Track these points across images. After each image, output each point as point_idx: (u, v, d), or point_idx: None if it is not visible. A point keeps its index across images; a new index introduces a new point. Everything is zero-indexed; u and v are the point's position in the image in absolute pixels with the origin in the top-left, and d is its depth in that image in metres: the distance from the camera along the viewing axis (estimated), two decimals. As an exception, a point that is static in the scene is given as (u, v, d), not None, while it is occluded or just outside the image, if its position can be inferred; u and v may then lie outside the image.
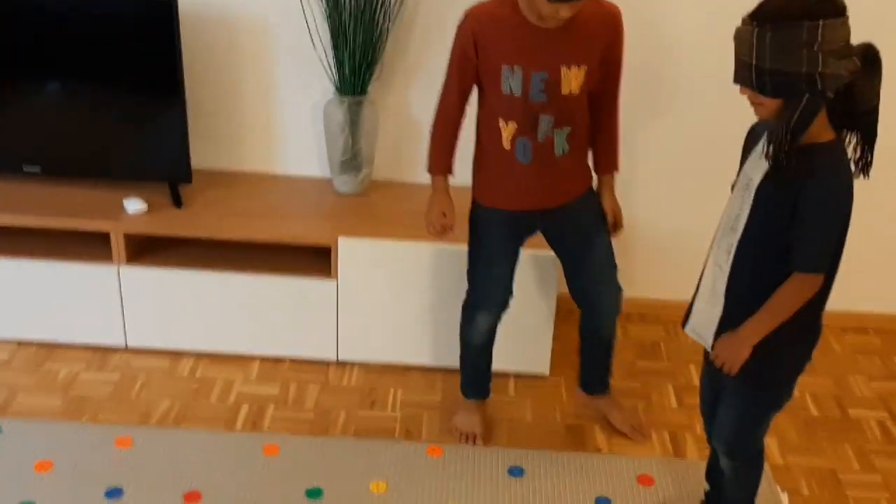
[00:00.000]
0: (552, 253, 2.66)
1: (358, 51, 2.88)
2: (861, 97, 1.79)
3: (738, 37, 1.79)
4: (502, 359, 2.85)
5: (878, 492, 2.58)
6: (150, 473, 2.48)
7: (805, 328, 1.99)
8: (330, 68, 2.97)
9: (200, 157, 3.12)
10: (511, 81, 2.24)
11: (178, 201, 2.97)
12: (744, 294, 1.97)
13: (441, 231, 2.46)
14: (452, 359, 2.79)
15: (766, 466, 2.59)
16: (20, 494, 2.39)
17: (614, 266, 2.56)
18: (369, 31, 2.87)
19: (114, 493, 2.41)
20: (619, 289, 2.59)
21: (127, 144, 2.98)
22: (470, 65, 2.28)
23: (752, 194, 1.91)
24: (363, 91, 2.97)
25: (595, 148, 2.48)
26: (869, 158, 1.85)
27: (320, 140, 3.13)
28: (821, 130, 1.81)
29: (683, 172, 3.15)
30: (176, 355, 2.99)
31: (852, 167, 1.86)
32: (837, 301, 3.37)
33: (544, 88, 2.24)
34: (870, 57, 1.77)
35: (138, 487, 2.43)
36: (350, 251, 2.84)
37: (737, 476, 2.23)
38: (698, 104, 3.05)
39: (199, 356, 3.00)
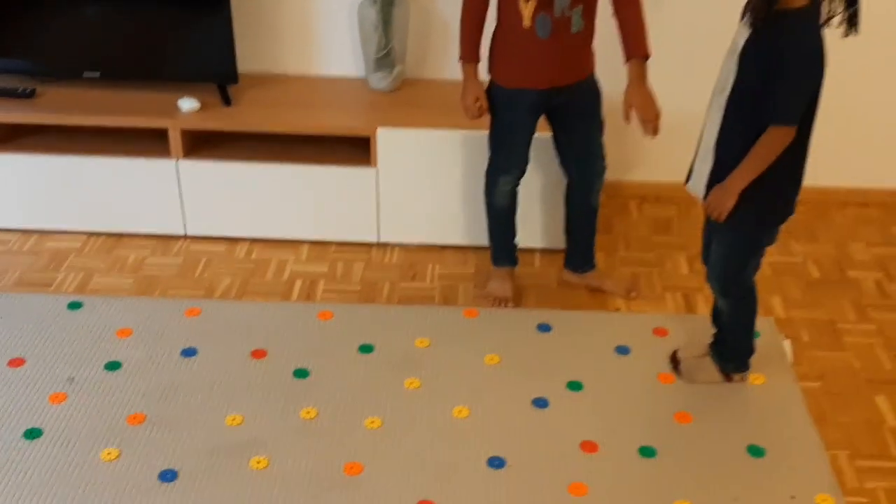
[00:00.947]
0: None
1: (388, -48, 3.12)
2: None
3: None
4: (528, 236, 3.15)
5: (872, 338, 2.86)
6: (219, 336, 2.80)
7: (783, 180, 2.26)
8: (362, -30, 3.20)
9: (243, 60, 3.36)
10: None
11: (227, 100, 3.23)
12: (730, 147, 2.25)
13: (478, 114, 2.72)
14: (483, 237, 3.07)
15: (771, 319, 2.89)
16: (107, 356, 2.71)
17: (602, 145, 2.84)
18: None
19: (189, 352, 2.73)
20: (605, 164, 2.88)
21: (178, 49, 3.24)
22: None
23: (738, 57, 2.16)
24: (394, -9, 3.21)
25: (621, 31, 2.66)
26: (853, 11, 2.07)
27: (355, 41, 3.37)
28: None
29: (697, 56, 3.36)
30: (232, 241, 3.29)
31: (840, 25, 2.08)
32: (840, 176, 3.66)
33: None
34: None
35: (210, 347, 2.75)
36: (388, 140, 3.10)
37: (733, 312, 2.53)
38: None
39: (253, 241, 3.29)
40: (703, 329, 2.71)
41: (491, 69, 2.73)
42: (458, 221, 3.23)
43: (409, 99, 3.32)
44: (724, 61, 2.24)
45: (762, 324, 2.84)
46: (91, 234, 3.31)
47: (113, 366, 2.67)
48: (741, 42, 2.16)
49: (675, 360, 2.67)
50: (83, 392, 2.57)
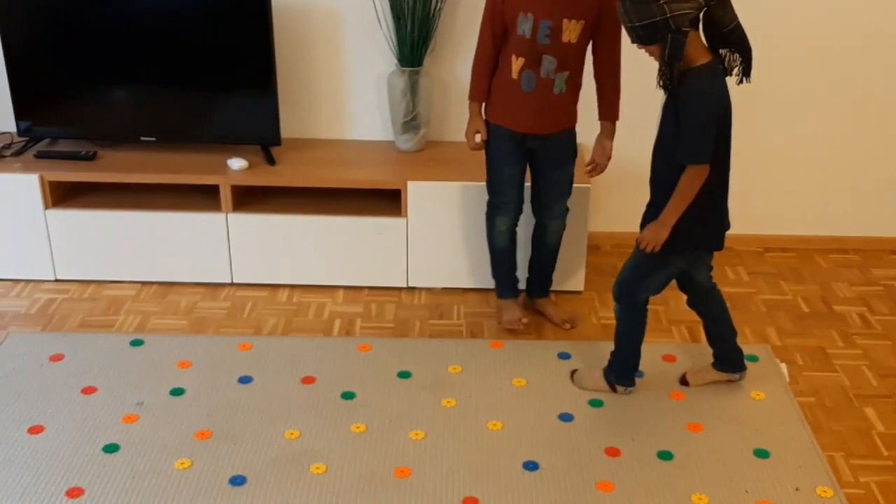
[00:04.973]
0: (587, 185, 3.40)
1: (416, 29, 3.51)
2: (720, 21, 2.48)
3: (617, 13, 2.51)
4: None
5: (859, 361, 3.18)
6: (270, 366, 3.09)
7: (700, 214, 2.61)
8: (392, 45, 3.60)
9: (284, 125, 3.73)
10: (524, 25, 2.89)
11: (271, 159, 3.59)
12: (659, 188, 2.66)
13: (478, 145, 3.12)
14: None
15: (768, 347, 3.21)
16: (171, 384, 2.99)
17: (570, 192, 3.23)
18: (425, 12, 3.50)
19: (245, 379, 3.01)
20: (565, 209, 3.26)
21: (229, 116, 3.61)
22: (497, 13, 2.95)
23: (661, 112, 2.60)
24: (420, 63, 3.60)
25: (599, 95, 3.09)
26: (747, 65, 2.53)
27: (383, 107, 3.75)
28: (696, 56, 2.49)
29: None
30: (274, 287, 3.60)
31: (738, 76, 2.53)
32: (822, 226, 4.02)
33: (549, 34, 2.89)
34: None
35: (263, 375, 3.04)
36: (417, 192, 3.45)
37: (621, 321, 2.89)
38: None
39: (293, 287, 3.60)
40: (705, 353, 3.03)
41: (486, 108, 3.13)
42: (480, 266, 3.55)
43: (433, 157, 3.68)
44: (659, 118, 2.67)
45: (760, 351, 3.18)
46: (144, 283, 3.61)
47: (177, 392, 2.95)
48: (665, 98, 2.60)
49: (609, 383, 2.98)
50: (153, 414, 2.84)
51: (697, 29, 2.49)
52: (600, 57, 3.03)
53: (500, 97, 3.06)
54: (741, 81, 2.55)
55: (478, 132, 3.12)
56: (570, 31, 2.89)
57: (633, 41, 2.52)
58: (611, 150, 3.13)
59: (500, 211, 3.23)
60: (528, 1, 2.88)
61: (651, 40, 2.46)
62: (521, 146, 3.11)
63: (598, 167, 3.16)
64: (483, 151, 3.17)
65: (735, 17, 2.48)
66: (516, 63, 2.96)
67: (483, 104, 3.12)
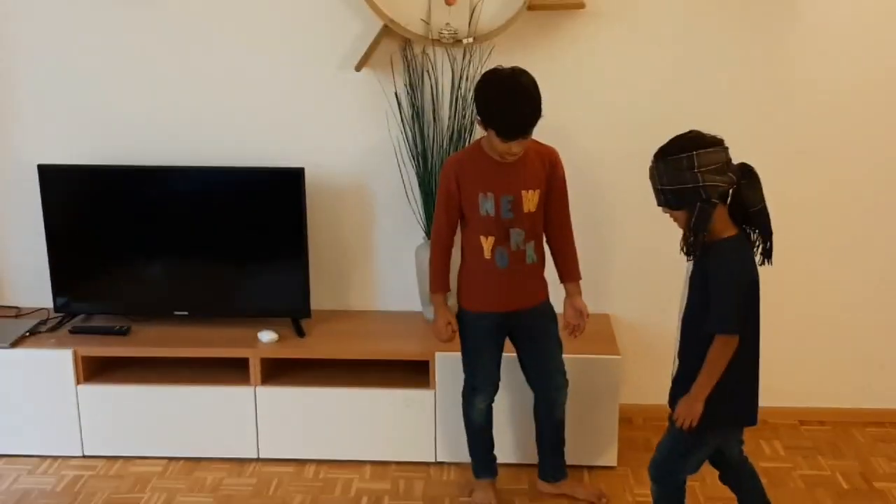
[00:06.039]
0: (616, 357, 3.39)
1: (444, 205, 3.60)
2: (747, 200, 2.53)
3: (650, 171, 2.58)
4: (577, 454, 3.43)
5: (905, 542, 3.06)
6: (296, 548, 3.02)
7: (730, 389, 2.58)
8: (421, 219, 3.69)
9: (313, 297, 3.79)
10: (486, 205, 2.96)
11: (300, 332, 3.62)
12: (689, 359, 2.64)
13: (449, 336, 3.12)
14: (534, 455, 3.37)
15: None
16: (194, 568, 2.93)
17: (561, 361, 3.20)
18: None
19: (270, 563, 2.95)
20: (565, 379, 3.22)
21: (259, 289, 3.67)
22: (453, 199, 3.02)
23: (687, 282, 2.61)
24: (448, 237, 3.67)
25: (557, 261, 3.16)
26: (767, 247, 2.56)
27: (411, 279, 3.81)
28: (723, 229, 2.53)
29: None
30: (300, 463, 3.56)
31: (757, 255, 2.56)
32: (858, 398, 3.96)
33: (511, 208, 2.96)
34: (746, 171, 2.53)
35: (289, 559, 2.97)
36: (445, 364, 3.45)
37: (658, 501, 2.81)
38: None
39: (320, 463, 3.56)
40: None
41: (459, 297, 3.15)
42: (509, 440, 3.50)
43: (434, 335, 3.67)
44: (683, 287, 2.68)
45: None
46: (171, 459, 3.58)
47: (201, 576, 2.88)
48: (689, 269, 2.61)
49: None
50: None
51: (725, 203, 2.53)
52: (555, 221, 3.10)
53: (476, 282, 3.08)
54: (762, 263, 2.57)
55: (448, 323, 3.11)
56: (529, 200, 2.98)
57: (658, 203, 2.56)
58: (585, 306, 3.14)
59: (479, 391, 3.22)
60: (484, 181, 2.96)
61: (678, 205, 2.51)
62: (502, 327, 3.13)
63: (577, 328, 3.15)
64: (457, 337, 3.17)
65: (763, 199, 2.53)
66: (487, 242, 3.01)
67: (447, 293, 3.14)
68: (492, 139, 2.87)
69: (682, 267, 2.75)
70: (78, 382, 3.51)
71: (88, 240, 3.66)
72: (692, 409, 2.61)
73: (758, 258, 2.58)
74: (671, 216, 2.58)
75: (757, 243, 2.58)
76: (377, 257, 3.86)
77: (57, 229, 3.63)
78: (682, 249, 2.56)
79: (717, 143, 2.50)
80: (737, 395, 2.64)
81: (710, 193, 2.46)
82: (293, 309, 3.67)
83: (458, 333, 3.15)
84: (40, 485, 3.41)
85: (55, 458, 3.58)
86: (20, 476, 3.47)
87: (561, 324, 3.18)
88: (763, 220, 2.55)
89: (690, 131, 2.54)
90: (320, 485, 3.43)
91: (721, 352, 2.54)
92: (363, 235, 3.83)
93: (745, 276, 2.54)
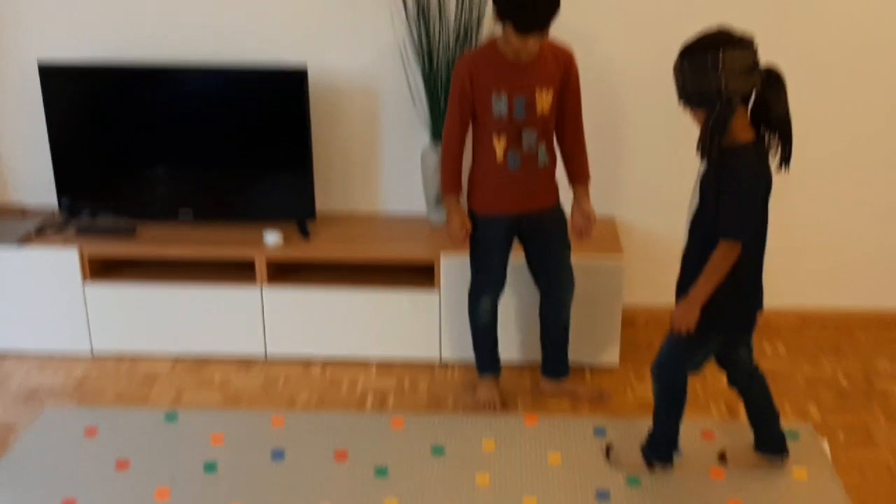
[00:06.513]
0: (619, 258, 3.37)
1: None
2: (771, 105, 2.47)
3: (673, 67, 2.50)
4: (579, 353, 3.46)
5: (904, 439, 3.11)
6: (303, 441, 3.07)
7: (730, 291, 2.58)
8: (426, 121, 3.65)
9: (317, 199, 3.78)
10: (499, 105, 2.92)
11: (305, 233, 3.63)
12: (693, 262, 2.62)
13: (463, 236, 3.10)
14: (537, 353, 3.40)
15: (809, 425, 3.14)
16: (204, 459, 2.98)
17: (570, 264, 3.21)
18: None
19: (278, 454, 3.00)
20: (572, 280, 3.23)
21: (264, 191, 3.66)
22: (467, 98, 2.97)
23: (699, 185, 2.58)
24: (453, 139, 3.64)
25: (567, 163, 3.14)
26: (787, 153, 2.51)
27: (417, 182, 3.79)
28: (741, 133, 2.47)
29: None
30: (306, 362, 3.60)
31: (776, 161, 2.52)
32: (861, 299, 3.97)
33: (525, 108, 2.93)
34: (772, 75, 2.46)
35: (296, 450, 3.02)
36: (450, 266, 3.46)
37: (660, 401, 2.84)
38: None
39: (327, 361, 3.60)
40: (744, 431, 2.97)
41: (469, 199, 3.13)
42: (513, 339, 3.53)
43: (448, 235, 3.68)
44: (693, 189, 2.64)
45: (802, 428, 3.11)
46: (179, 357, 3.63)
47: (210, 467, 2.93)
48: (701, 171, 2.57)
49: (647, 461, 2.92)
50: (185, 490, 2.83)
51: (746, 106, 2.48)
52: (567, 123, 3.07)
53: (488, 185, 3.06)
54: (780, 168, 2.54)
55: (462, 224, 3.09)
56: (543, 101, 2.94)
57: (679, 98, 2.51)
58: (593, 211, 3.14)
59: (486, 290, 3.23)
60: (498, 80, 2.92)
61: (698, 105, 2.46)
62: (512, 229, 3.13)
63: (584, 232, 3.16)
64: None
65: (787, 104, 2.48)
66: (499, 144, 2.98)
67: (459, 194, 3.11)
68: (508, 35, 2.81)
69: (689, 172, 2.73)
70: (85, 281, 3.53)
71: (91, 139, 3.64)
72: (688, 315, 2.62)
73: (776, 163, 2.53)
74: (690, 114, 2.53)
75: (776, 148, 2.53)
76: (382, 159, 3.84)
77: (59, 128, 3.60)
78: (697, 150, 2.51)
79: (745, 43, 2.42)
80: (741, 300, 2.65)
81: (732, 96, 2.40)
82: (298, 211, 3.66)
83: (471, 234, 3.13)
84: (50, 381, 3.47)
85: (64, 355, 3.63)
86: (30, 372, 3.52)
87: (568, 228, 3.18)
88: (785, 125, 2.49)
89: (719, 28, 2.45)
90: (326, 383, 3.47)
91: (724, 258, 2.53)
92: (368, 137, 3.80)
93: (760, 184, 2.51)
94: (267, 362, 3.61)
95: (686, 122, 2.68)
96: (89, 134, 3.64)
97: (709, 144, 2.45)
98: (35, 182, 3.86)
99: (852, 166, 3.73)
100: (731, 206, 2.48)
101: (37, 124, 3.69)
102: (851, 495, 2.79)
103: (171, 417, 3.20)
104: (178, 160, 3.64)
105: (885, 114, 3.65)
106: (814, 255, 3.86)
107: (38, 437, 3.09)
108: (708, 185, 2.54)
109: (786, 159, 2.53)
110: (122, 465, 2.94)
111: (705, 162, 2.52)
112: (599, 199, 3.36)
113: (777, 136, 2.51)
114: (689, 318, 2.62)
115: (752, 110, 2.51)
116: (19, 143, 3.84)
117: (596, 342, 3.52)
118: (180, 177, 3.66)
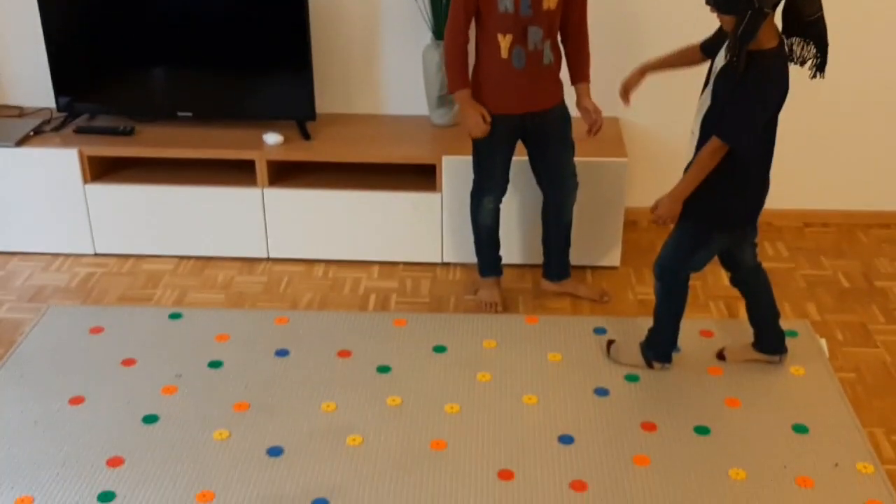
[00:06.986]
0: (623, 160, 3.37)
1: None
2: (803, 10, 2.41)
3: None
4: (581, 254, 3.47)
5: (901, 337, 3.14)
6: (307, 340, 3.11)
7: (730, 191, 2.57)
8: (428, 18, 3.58)
9: (318, 101, 3.73)
10: (505, 1, 2.85)
11: (306, 135, 3.60)
12: None
13: (486, 130, 3.02)
14: (538, 256, 3.40)
15: (807, 322, 3.16)
16: (208, 356, 3.02)
17: (573, 165, 3.19)
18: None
19: (282, 352, 3.04)
20: (576, 182, 3.21)
21: (263, 91, 3.61)
22: None
23: (714, 80, 2.52)
24: (455, 37, 3.58)
25: (570, 62, 3.09)
26: (822, 60, 2.46)
27: (418, 82, 3.74)
28: (767, 39, 2.40)
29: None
30: (309, 263, 3.62)
31: (811, 69, 2.48)
32: (863, 201, 3.96)
33: (531, 4, 2.86)
34: None
35: (300, 349, 3.06)
36: (452, 168, 3.44)
37: (661, 299, 2.85)
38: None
39: (328, 262, 3.62)
40: (742, 329, 3.00)
41: (474, 99, 3.04)
42: (514, 241, 3.54)
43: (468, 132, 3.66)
44: (706, 82, 2.60)
45: (800, 326, 3.14)
46: (182, 257, 3.64)
47: (215, 364, 2.98)
48: (718, 67, 2.52)
49: (646, 358, 2.95)
50: (191, 386, 2.87)
51: (774, 11, 2.40)
52: (573, 20, 3.03)
53: (492, 82, 3.00)
54: (814, 76, 2.49)
55: (482, 115, 3.00)
56: None
57: (707, 3, 2.42)
58: (597, 106, 3.10)
59: (488, 192, 3.21)
60: None
61: (728, 9, 2.39)
62: (517, 129, 3.08)
63: (595, 124, 3.10)
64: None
65: (821, 9, 2.41)
66: (504, 41, 2.92)
67: (469, 88, 3.03)
68: None
69: (695, 74, 2.68)
70: (85, 182, 3.52)
71: (89, 38, 3.58)
72: (671, 209, 2.62)
73: (808, 72, 2.49)
74: (718, 18, 2.45)
75: (807, 55, 2.47)
76: (383, 59, 3.78)
77: (56, 27, 3.53)
78: (725, 56, 2.43)
79: None
80: (746, 197, 2.64)
81: (763, 2, 2.32)
82: (298, 112, 3.62)
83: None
84: (54, 281, 3.49)
85: (67, 255, 3.65)
86: (34, 272, 3.55)
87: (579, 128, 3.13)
88: (820, 30, 2.44)
89: None
90: (329, 283, 3.49)
91: (712, 156, 2.51)
92: (368, 36, 3.73)
93: (778, 95, 2.46)
94: (269, 262, 3.63)
95: (695, 22, 2.63)
96: (87, 33, 3.57)
97: (737, 51, 2.38)
98: (32, 85, 3.80)
99: (854, 69, 3.66)
100: (740, 111, 2.45)
101: (32, 23, 3.62)
102: (847, 391, 2.83)
103: (175, 316, 3.24)
104: (176, 59, 3.59)
105: (887, 16, 3.58)
106: (816, 157, 3.83)
107: (44, 335, 3.13)
108: (724, 84, 2.48)
109: (821, 66, 2.48)
110: (127, 362, 2.99)
111: (722, 65, 2.46)
112: (605, 99, 3.31)
113: (809, 42, 2.45)
114: (672, 211, 2.62)
115: (784, 17, 2.44)
116: (15, 41, 3.78)
117: (598, 244, 3.53)
118: (180, 77, 3.61)
